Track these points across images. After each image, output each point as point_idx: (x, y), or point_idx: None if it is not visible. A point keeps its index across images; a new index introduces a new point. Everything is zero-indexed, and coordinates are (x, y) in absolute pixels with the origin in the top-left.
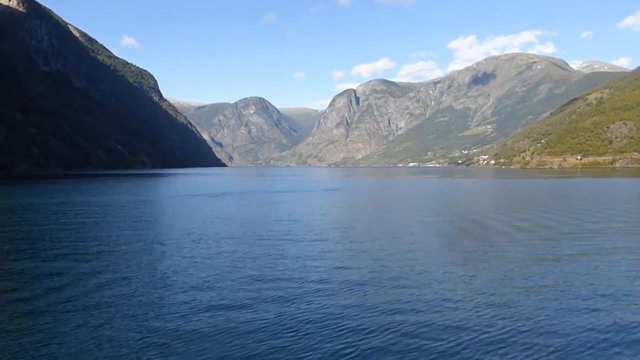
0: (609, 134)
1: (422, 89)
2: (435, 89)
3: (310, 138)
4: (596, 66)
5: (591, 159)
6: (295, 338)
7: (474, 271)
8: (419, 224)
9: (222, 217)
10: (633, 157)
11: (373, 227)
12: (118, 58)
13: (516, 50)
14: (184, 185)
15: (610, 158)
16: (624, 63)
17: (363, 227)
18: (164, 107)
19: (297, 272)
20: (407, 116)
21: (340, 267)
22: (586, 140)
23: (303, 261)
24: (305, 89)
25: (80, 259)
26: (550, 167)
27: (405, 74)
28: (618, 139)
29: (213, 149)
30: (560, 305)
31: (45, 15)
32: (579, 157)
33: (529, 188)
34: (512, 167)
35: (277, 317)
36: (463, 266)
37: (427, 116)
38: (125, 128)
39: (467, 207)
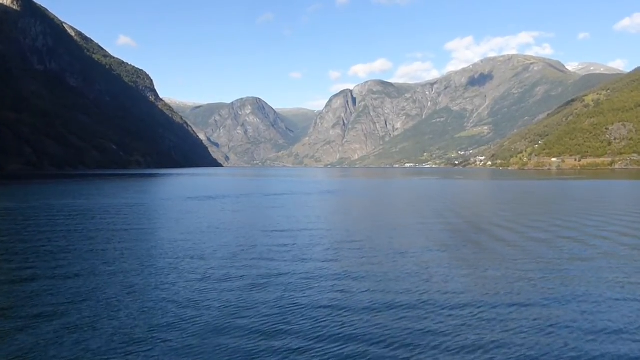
0: (607, 136)
1: (418, 90)
2: (432, 90)
3: (307, 138)
4: (592, 68)
5: (590, 160)
6: None
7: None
8: (436, 235)
9: (215, 226)
10: (632, 158)
11: (385, 240)
12: (114, 57)
13: (513, 52)
14: (177, 187)
15: (610, 159)
16: (620, 65)
17: (374, 240)
18: (160, 107)
19: (303, 312)
20: (404, 117)
21: (356, 301)
22: (585, 141)
23: (310, 295)
24: (302, 89)
25: (35, 280)
26: (549, 169)
27: (402, 75)
28: (617, 141)
29: (209, 149)
30: None
31: (40, 14)
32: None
33: (540, 190)
34: (509, 168)
35: None
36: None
37: (423, 117)
38: (120, 128)
39: (485, 214)
